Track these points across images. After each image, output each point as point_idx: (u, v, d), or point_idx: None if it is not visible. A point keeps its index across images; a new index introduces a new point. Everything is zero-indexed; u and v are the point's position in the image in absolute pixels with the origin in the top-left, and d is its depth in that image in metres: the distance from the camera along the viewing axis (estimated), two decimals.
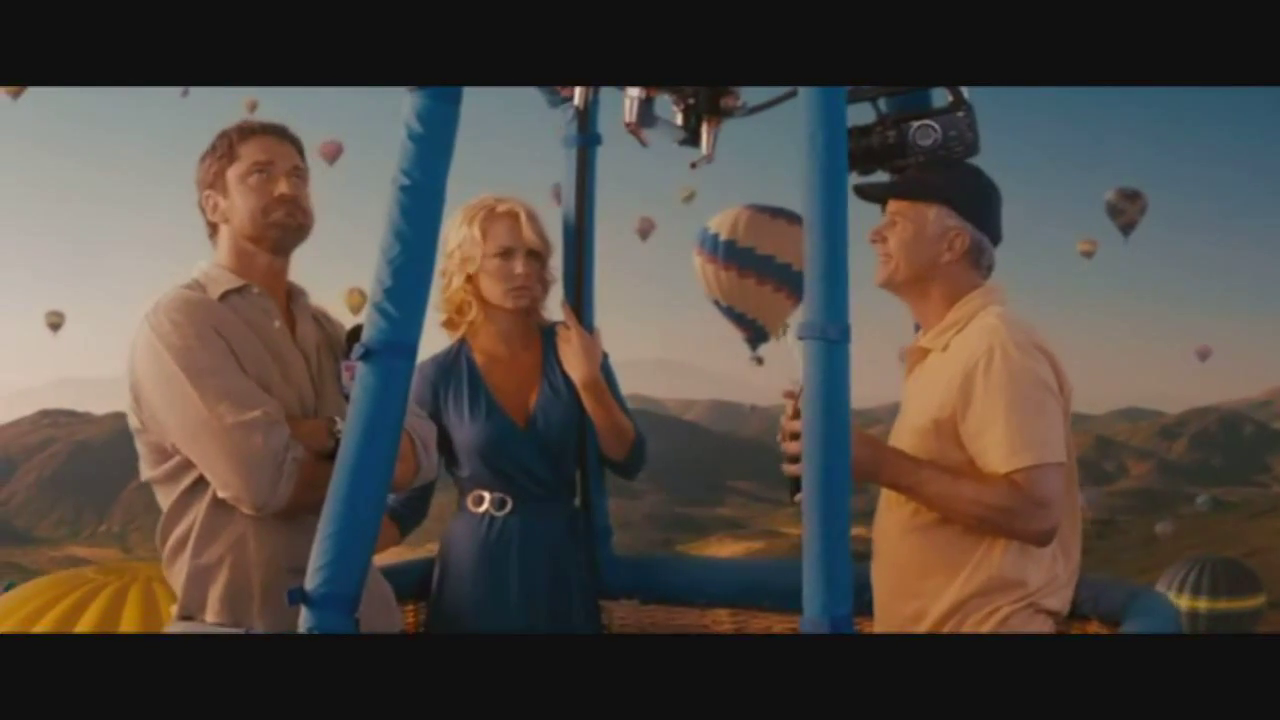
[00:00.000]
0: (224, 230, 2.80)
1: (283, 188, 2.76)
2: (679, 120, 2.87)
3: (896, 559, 2.81)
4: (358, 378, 2.42)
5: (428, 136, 2.42)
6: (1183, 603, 21.55)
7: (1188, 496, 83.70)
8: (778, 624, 3.23)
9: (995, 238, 2.84)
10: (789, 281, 7.33)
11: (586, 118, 3.20)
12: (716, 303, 7.83)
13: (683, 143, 2.89)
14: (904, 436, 2.80)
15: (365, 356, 2.39)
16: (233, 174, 2.76)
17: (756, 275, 7.46)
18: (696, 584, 3.46)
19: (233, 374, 2.60)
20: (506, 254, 3.25)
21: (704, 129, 2.85)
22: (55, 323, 61.77)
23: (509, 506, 3.27)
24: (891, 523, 2.82)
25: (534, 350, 3.39)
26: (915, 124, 2.80)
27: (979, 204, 2.82)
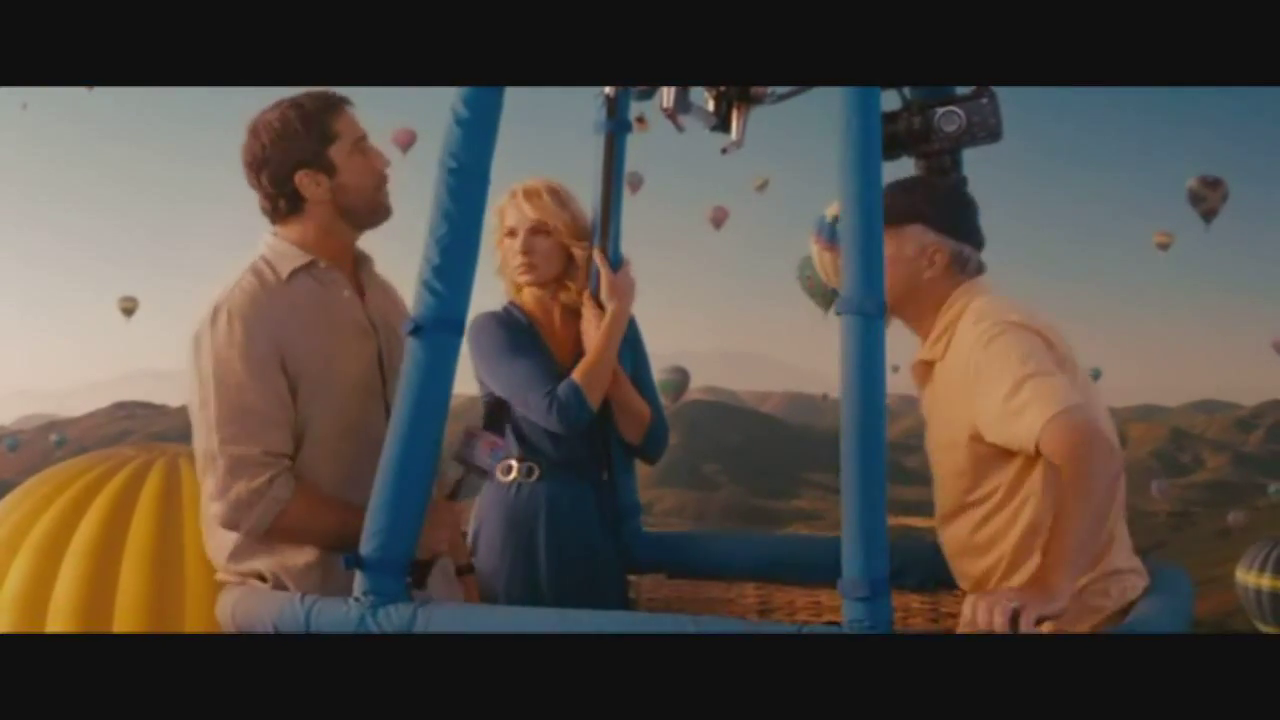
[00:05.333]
0: (317, 209, 2.77)
1: (384, 161, 2.83)
2: (710, 107, 2.98)
3: None
4: (408, 352, 2.56)
5: (473, 121, 2.57)
6: (1264, 582, 21.32)
7: (1262, 488, 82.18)
8: (801, 597, 3.30)
9: (977, 244, 2.87)
10: None
11: (615, 105, 3.27)
12: (835, 291, 7.80)
13: (714, 128, 3.00)
14: (937, 452, 2.84)
15: (415, 332, 2.54)
16: (337, 152, 2.74)
17: None
18: (723, 558, 3.49)
19: (259, 393, 2.63)
20: (510, 234, 3.34)
21: (734, 115, 2.97)
22: (128, 308, 61.15)
23: (536, 474, 3.34)
24: None
25: (574, 325, 3.39)
26: (940, 110, 2.88)
27: (953, 216, 2.86)
